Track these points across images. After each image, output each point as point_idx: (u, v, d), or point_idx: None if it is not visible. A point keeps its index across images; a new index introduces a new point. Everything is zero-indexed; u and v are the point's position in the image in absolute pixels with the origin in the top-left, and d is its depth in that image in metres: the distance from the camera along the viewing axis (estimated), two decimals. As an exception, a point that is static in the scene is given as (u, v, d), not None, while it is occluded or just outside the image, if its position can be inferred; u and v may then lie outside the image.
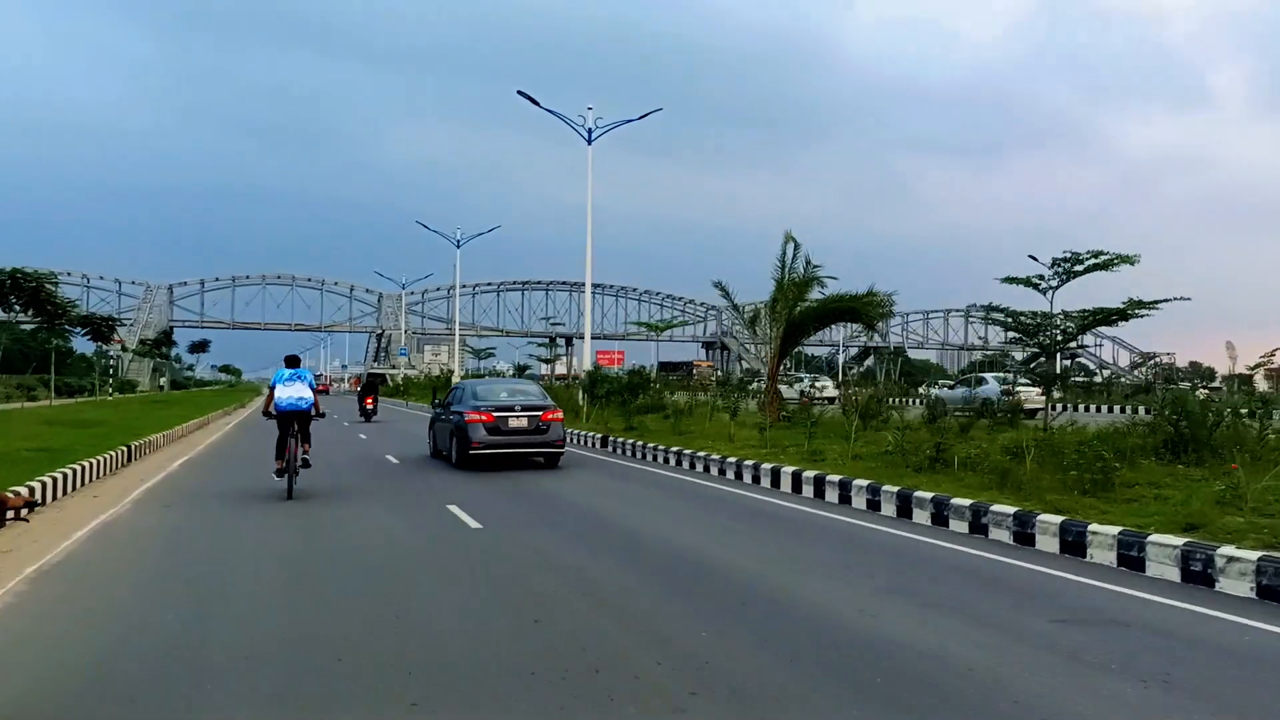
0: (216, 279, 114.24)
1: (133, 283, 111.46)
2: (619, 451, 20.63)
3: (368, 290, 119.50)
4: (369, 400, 35.98)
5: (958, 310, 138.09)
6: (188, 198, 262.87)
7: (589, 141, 34.81)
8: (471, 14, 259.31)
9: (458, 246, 63.69)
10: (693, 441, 19.07)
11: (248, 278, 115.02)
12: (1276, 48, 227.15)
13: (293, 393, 13.09)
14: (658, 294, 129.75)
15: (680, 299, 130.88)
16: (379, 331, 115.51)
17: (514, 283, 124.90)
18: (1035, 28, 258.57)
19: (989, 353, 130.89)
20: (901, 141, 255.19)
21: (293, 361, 13.71)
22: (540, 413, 17.02)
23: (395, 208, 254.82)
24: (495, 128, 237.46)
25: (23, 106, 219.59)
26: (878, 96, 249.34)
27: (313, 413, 13.29)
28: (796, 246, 21.93)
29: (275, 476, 13.02)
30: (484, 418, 16.68)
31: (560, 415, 17.37)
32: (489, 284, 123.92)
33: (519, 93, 34.62)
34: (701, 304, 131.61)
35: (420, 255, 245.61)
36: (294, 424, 13.03)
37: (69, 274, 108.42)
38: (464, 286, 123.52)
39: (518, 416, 16.90)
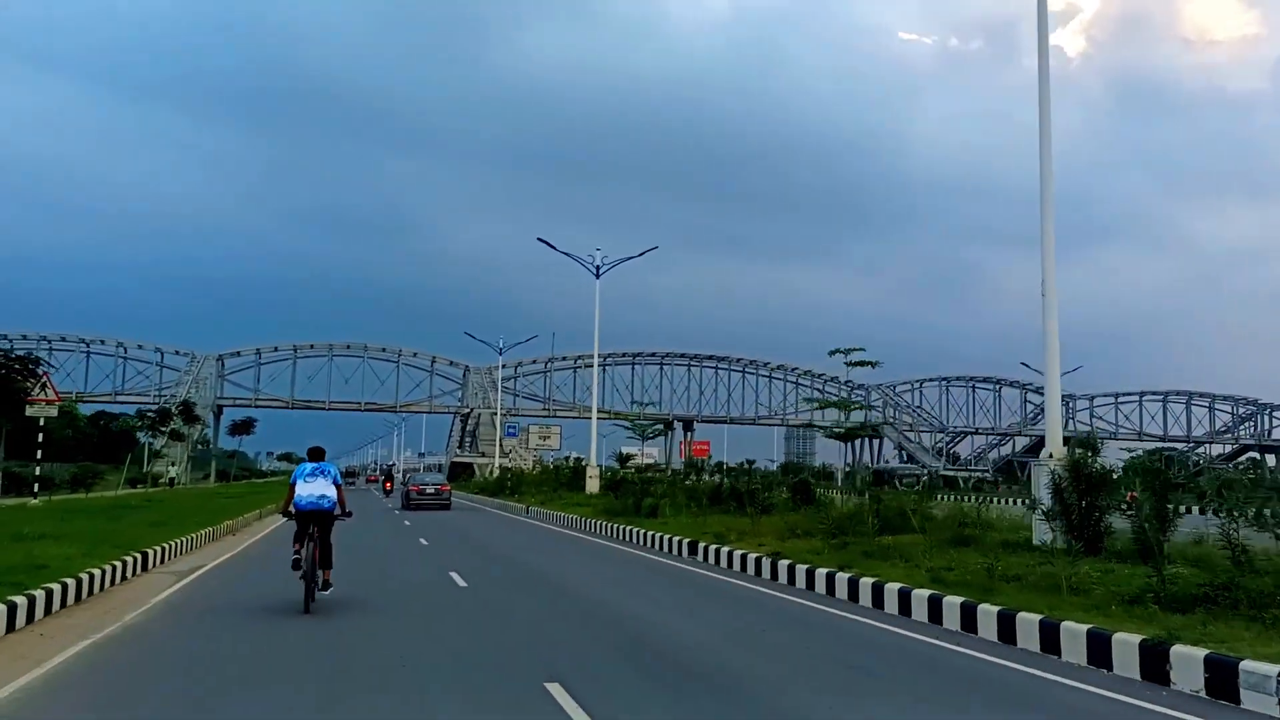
0: (275, 348, 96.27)
1: (176, 352, 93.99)
2: None
3: (451, 363, 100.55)
4: (388, 485, 64.93)
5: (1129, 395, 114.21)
6: (257, 282, 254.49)
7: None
8: (535, 113, 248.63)
9: (597, 275, 43.76)
10: None
11: (312, 347, 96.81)
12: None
13: (314, 490, 11.24)
14: (793, 369, 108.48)
15: (820, 375, 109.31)
16: (465, 411, 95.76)
17: (623, 355, 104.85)
18: (1108, 119, 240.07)
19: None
20: (966, 234, 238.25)
21: (316, 454, 11.88)
22: (439, 485, 41.01)
23: (468, 296, 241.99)
24: (561, 218, 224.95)
25: (115, 200, 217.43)
26: (942, 189, 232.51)
27: (336, 512, 11.41)
28: None
29: (293, 567, 11.22)
30: (414, 489, 39.59)
31: (448, 487, 42.28)
32: (590, 356, 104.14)
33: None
34: (845, 382, 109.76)
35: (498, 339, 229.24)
36: (311, 526, 11.11)
37: (102, 341, 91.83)
38: (563, 359, 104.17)
39: (429, 488, 39.89)
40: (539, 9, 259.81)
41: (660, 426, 45.28)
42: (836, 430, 22.05)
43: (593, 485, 40.65)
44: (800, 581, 13.73)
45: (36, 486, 26.93)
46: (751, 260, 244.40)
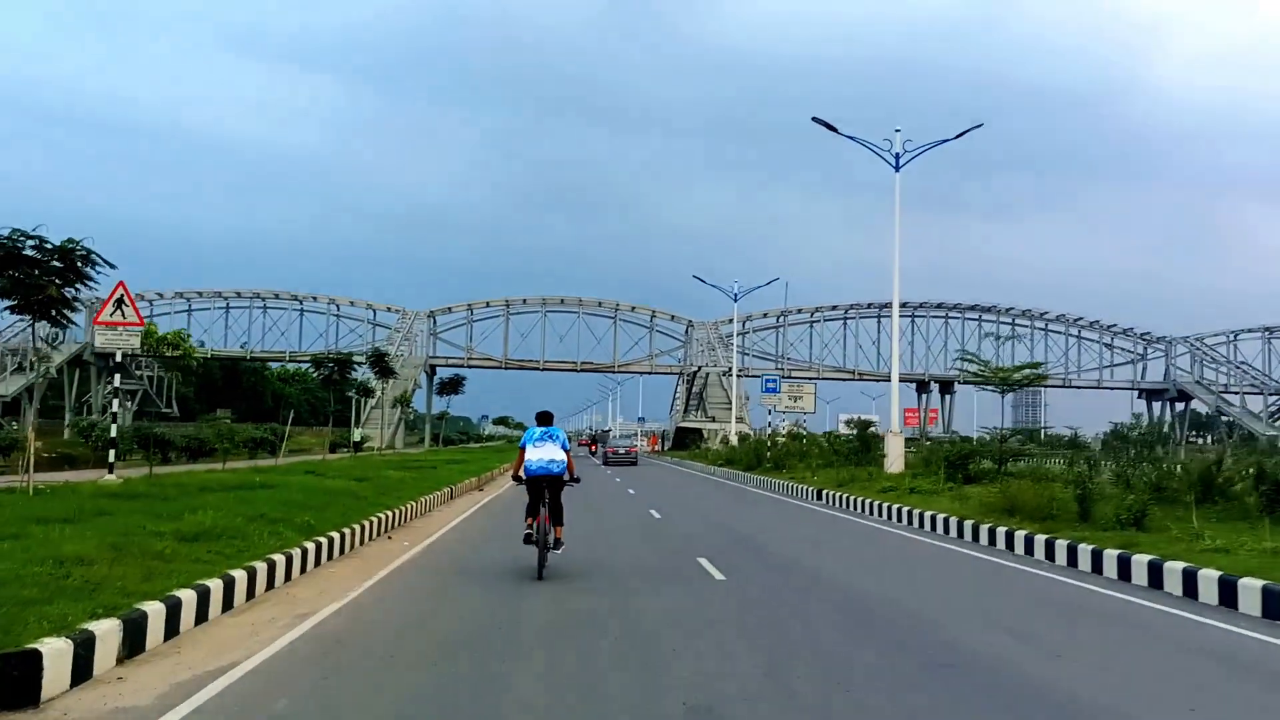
0: (487, 304, 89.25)
1: (388, 309, 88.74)
2: None
3: (672, 318, 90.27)
4: (593, 446, 74.20)
5: None
6: (472, 254, 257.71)
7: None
8: (738, 77, 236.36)
9: (896, 167, 31.02)
10: None
11: (524, 302, 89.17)
12: None
13: (544, 454, 10.93)
14: (1075, 320, 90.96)
15: (1110, 327, 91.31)
16: (691, 370, 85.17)
17: (868, 305, 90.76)
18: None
19: None
20: (1217, 183, 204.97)
21: (545, 419, 11.49)
22: (629, 448, 61.03)
23: (680, 263, 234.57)
24: (775, 186, 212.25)
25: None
26: (1187, 137, 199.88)
27: (566, 477, 11.09)
28: None
29: (524, 541, 10.96)
30: (610, 450, 59.33)
31: (635, 449, 63.25)
32: (833, 307, 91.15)
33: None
34: (1143, 335, 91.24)
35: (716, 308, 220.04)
36: (544, 491, 10.85)
37: (315, 299, 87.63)
38: (798, 311, 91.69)
39: (621, 449, 59.32)
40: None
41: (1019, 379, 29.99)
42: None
43: (898, 463, 28.51)
44: None
45: (112, 455, 17.88)
46: (972, 216, 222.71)
